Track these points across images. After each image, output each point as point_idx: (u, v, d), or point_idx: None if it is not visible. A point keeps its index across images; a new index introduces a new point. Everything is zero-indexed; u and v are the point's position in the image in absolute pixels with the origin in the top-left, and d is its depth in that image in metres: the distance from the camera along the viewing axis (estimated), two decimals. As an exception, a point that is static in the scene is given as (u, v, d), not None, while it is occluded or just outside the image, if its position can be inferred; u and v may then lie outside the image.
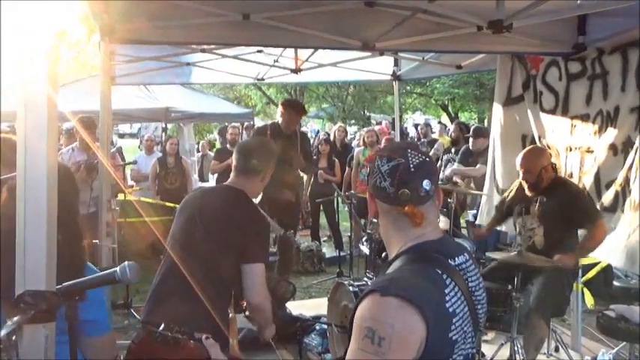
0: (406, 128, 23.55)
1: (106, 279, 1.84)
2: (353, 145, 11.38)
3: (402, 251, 1.71)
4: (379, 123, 18.75)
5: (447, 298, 1.60)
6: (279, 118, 6.13)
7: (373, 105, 23.74)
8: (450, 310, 1.59)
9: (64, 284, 1.81)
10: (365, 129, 10.92)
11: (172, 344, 1.55)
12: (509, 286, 4.22)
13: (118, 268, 1.82)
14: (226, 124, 12.05)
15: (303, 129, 21.86)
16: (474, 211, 6.79)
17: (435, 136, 12.08)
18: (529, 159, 4.55)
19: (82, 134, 6.45)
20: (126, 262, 1.84)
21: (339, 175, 8.87)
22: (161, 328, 1.58)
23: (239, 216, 2.99)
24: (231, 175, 3.21)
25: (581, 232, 4.53)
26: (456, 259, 1.72)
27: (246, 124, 11.57)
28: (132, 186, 8.76)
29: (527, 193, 4.61)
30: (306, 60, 6.43)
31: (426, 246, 1.70)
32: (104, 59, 5.21)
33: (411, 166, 1.70)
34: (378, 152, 1.79)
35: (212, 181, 9.75)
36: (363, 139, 9.05)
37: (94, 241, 4.68)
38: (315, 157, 8.78)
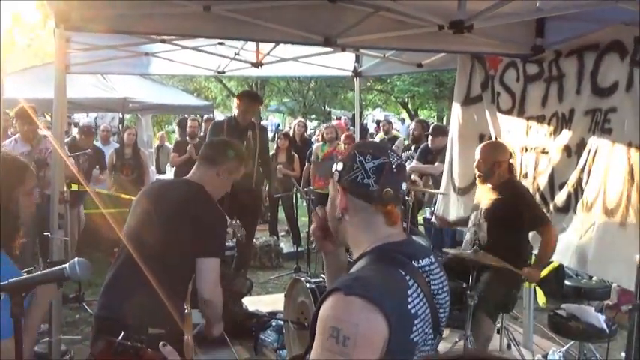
0: (366, 124, 23.66)
1: (54, 275, 1.77)
2: (313, 140, 11.39)
3: (366, 251, 1.71)
4: (339, 119, 18.93)
5: (410, 299, 1.59)
6: (235, 111, 6.20)
7: (334, 100, 23.84)
8: (412, 311, 1.59)
9: (9, 280, 1.74)
10: (324, 125, 10.92)
11: (132, 354, 1.52)
12: (464, 284, 4.26)
13: (67, 265, 1.77)
14: (185, 116, 11.99)
15: (264, 123, 21.84)
16: (432, 209, 6.84)
17: (396, 133, 12.19)
18: (486, 149, 4.69)
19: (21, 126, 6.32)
20: (76, 259, 1.78)
21: (299, 170, 8.88)
22: (120, 337, 1.54)
23: (195, 210, 2.99)
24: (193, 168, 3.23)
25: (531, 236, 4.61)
26: (420, 261, 1.72)
27: (205, 116, 11.46)
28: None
29: (477, 183, 4.69)
30: (268, 54, 6.37)
31: (391, 247, 1.70)
32: (59, 46, 5.05)
33: (394, 166, 1.71)
34: (357, 148, 1.77)
35: (170, 174, 9.64)
36: (322, 135, 9.07)
37: (44, 233, 4.54)
38: (273, 152, 8.77)
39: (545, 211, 4.69)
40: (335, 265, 2.01)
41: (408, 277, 1.63)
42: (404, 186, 1.73)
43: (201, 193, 3.07)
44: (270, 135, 10.85)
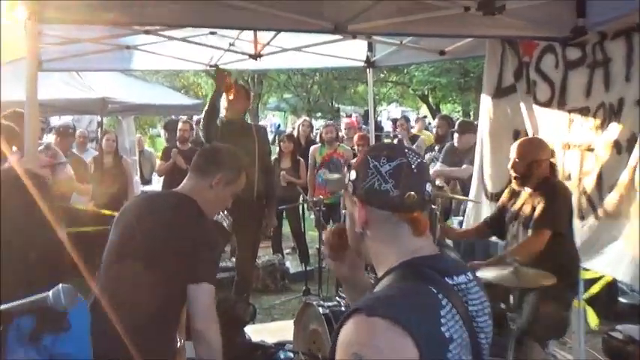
0: (380, 122, 23.58)
1: (36, 305, 1.76)
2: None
3: (392, 267, 1.70)
4: (349, 116, 18.85)
5: (443, 321, 1.58)
6: (223, 110, 6.11)
7: (343, 95, 23.76)
8: (446, 334, 1.57)
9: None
10: (325, 123, 10.93)
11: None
12: (503, 305, 4.20)
13: (50, 293, 1.75)
14: (173, 117, 11.89)
15: (262, 123, 21.74)
16: (460, 218, 6.79)
17: (414, 131, 12.16)
18: (523, 147, 4.62)
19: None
20: (60, 285, 1.75)
21: (305, 177, 8.84)
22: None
23: (184, 228, 2.96)
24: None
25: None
26: (455, 277, 1.70)
27: (197, 117, 11.40)
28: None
29: (514, 186, 4.64)
30: (267, 44, 6.38)
31: (420, 261, 1.69)
32: (30, 40, 5.03)
33: (413, 166, 1.71)
34: (369, 153, 1.77)
35: (158, 185, 9.60)
36: (321, 135, 8.98)
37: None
38: (276, 157, 8.76)
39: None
40: (356, 290, 2.00)
41: (440, 296, 1.62)
42: (428, 187, 1.73)
43: (191, 207, 3.03)
44: (270, 137, 10.82)
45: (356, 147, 8.76)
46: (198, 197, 3.06)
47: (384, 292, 1.63)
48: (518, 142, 4.77)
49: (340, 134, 9.60)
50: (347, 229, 1.85)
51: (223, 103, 6.08)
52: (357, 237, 1.79)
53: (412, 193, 1.69)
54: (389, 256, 1.73)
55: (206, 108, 5.92)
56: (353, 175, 1.75)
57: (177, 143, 8.86)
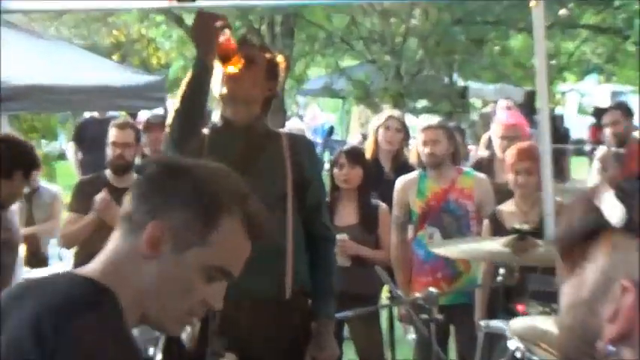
0: (562, 118, 14.66)
1: None
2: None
3: None
4: (492, 103, 9.63)
5: None
6: (217, 105, 3.94)
7: (474, 61, 13.29)
8: None
9: None
10: (432, 123, 6.25)
11: None
12: None
13: None
14: (94, 115, 8.69)
15: (295, 125, 12.44)
16: None
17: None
18: None
19: None
20: None
21: (389, 244, 5.23)
22: None
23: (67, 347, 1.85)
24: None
25: None
26: None
27: (148, 116, 7.24)
28: None
29: None
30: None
31: None
32: None
33: None
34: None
35: (65, 264, 6.02)
36: (417, 152, 5.28)
37: None
38: (328, 200, 5.02)
39: None
40: None
41: None
42: None
43: (89, 312, 1.86)
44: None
45: (511, 174, 4.77)
46: (119, 282, 1.91)
47: None
48: None
49: (469, 147, 6.75)
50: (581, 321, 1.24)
51: (216, 86, 3.71)
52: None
53: None
54: None
55: (178, 99, 3.72)
56: (617, 209, 1.21)
57: (108, 172, 5.55)
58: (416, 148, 5.26)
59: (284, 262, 3.68)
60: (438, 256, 4.69)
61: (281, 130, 4.18)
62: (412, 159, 5.40)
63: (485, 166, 5.56)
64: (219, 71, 3.65)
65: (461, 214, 5.00)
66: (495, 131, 5.82)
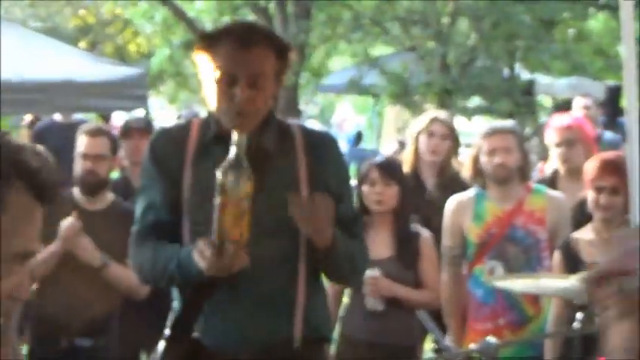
0: None
1: None
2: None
3: None
4: (565, 106, 8.64)
5: None
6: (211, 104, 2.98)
7: (542, 49, 11.23)
8: None
9: None
10: (489, 128, 5.44)
11: None
12: None
13: None
14: (57, 117, 7.60)
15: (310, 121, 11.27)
16: None
17: None
18: None
19: None
20: None
21: (435, 282, 4.72)
22: None
23: None
24: None
25: None
26: None
27: (126, 118, 6.96)
28: None
29: None
30: None
31: None
32: None
33: None
34: None
35: None
36: (473, 164, 4.61)
37: None
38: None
39: None
40: None
41: None
42: None
43: None
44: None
45: (591, 192, 4.10)
46: None
47: None
48: None
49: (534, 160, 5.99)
50: None
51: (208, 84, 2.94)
52: None
53: None
54: None
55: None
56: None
57: (76, 192, 4.87)
58: (471, 159, 4.54)
59: (293, 306, 3.10)
60: (500, 298, 4.16)
61: (295, 123, 3.39)
62: (465, 173, 4.67)
63: (549, 184, 4.73)
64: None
65: (530, 244, 4.34)
66: (550, 138, 5.04)
